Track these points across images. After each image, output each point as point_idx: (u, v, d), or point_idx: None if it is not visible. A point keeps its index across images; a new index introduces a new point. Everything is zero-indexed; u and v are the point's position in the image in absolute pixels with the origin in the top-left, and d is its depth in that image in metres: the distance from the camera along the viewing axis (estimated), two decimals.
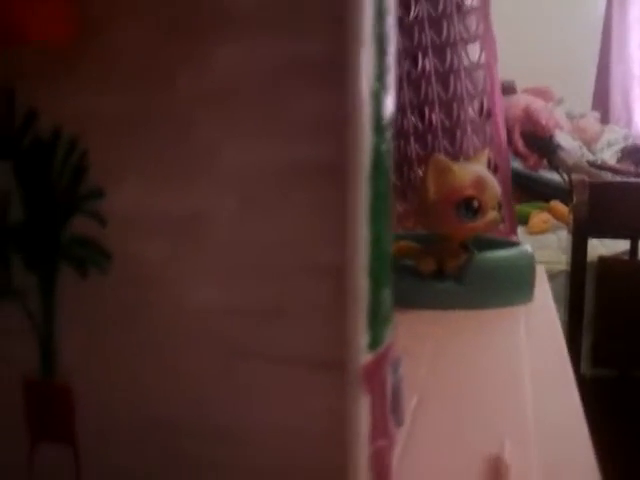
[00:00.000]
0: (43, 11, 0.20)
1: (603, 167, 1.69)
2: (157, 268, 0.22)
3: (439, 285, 0.51)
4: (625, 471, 0.70)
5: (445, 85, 0.63)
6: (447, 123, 0.64)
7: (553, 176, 1.67)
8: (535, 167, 1.69)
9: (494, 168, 0.61)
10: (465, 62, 0.62)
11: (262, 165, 0.21)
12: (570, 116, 1.94)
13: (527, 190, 1.54)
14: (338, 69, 0.19)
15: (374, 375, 0.21)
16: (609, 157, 1.82)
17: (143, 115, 0.22)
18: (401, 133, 0.65)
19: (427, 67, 0.63)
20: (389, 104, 0.21)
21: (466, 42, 0.62)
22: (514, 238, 0.62)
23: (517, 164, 1.61)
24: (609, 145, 1.87)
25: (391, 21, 0.21)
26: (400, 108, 0.63)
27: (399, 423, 0.24)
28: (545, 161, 1.71)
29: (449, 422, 0.32)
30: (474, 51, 0.63)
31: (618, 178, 1.61)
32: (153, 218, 0.22)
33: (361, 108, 0.19)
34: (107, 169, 0.22)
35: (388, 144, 0.21)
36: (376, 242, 0.21)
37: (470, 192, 0.49)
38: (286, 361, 0.21)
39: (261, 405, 0.21)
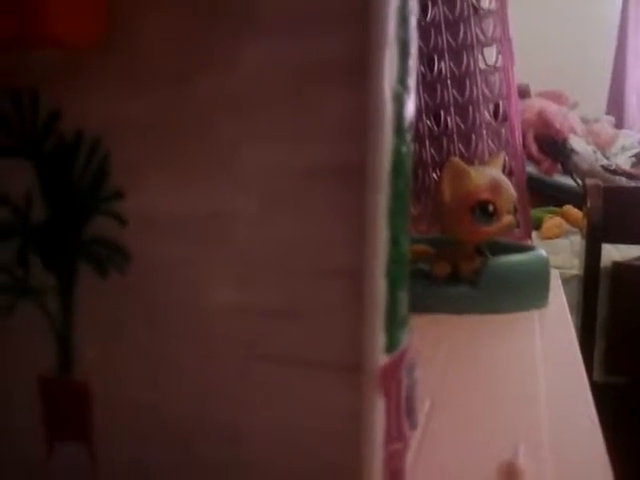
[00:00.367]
0: (75, 15, 0.20)
1: (617, 172, 1.68)
2: (176, 268, 0.22)
3: (453, 289, 0.51)
4: (637, 477, 0.69)
5: (461, 88, 0.63)
6: (462, 127, 0.63)
7: (567, 180, 1.66)
8: (549, 171, 1.68)
9: (509, 172, 0.60)
10: (481, 65, 0.62)
11: (282, 166, 0.21)
12: (584, 120, 1.93)
13: (540, 195, 1.53)
14: (361, 71, 0.19)
15: (390, 378, 0.21)
16: (623, 162, 1.81)
17: (165, 116, 0.22)
18: (416, 136, 0.65)
19: (443, 70, 0.63)
20: (410, 106, 0.21)
21: (483, 45, 0.62)
22: (529, 242, 0.61)
23: (531, 168, 1.61)
24: (623, 150, 1.86)
25: (414, 23, 0.21)
26: (415, 111, 0.63)
27: (413, 426, 0.24)
28: (559, 165, 1.71)
29: (462, 426, 0.32)
30: (491, 54, 0.62)
31: (633, 183, 1.60)
32: (173, 219, 0.22)
33: (383, 110, 0.19)
34: (128, 170, 0.22)
35: (408, 146, 0.21)
36: (394, 244, 0.21)
37: (486, 196, 0.49)
38: (302, 363, 0.21)
39: (275, 406, 0.21)
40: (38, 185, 0.24)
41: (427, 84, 0.65)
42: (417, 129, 0.65)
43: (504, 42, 0.60)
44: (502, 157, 0.53)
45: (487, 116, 0.63)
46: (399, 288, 0.21)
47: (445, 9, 0.62)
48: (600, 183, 1.18)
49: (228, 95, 0.21)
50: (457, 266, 0.52)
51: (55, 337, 0.24)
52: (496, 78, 0.62)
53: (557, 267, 0.91)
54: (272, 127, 0.21)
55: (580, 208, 1.30)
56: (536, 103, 1.77)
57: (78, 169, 0.23)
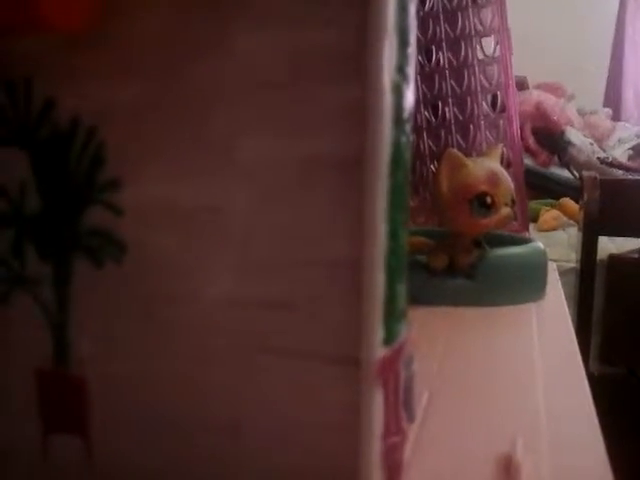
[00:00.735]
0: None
1: (614, 164, 1.68)
2: (172, 260, 0.22)
3: (450, 281, 0.51)
4: (635, 470, 0.70)
5: (459, 79, 0.63)
6: (460, 118, 0.63)
7: (563, 173, 1.66)
8: (545, 164, 1.68)
9: (507, 164, 0.60)
10: (480, 56, 0.62)
11: (280, 157, 0.20)
12: (581, 113, 1.93)
13: (537, 187, 1.53)
14: (360, 61, 0.19)
15: (388, 371, 0.21)
16: (620, 154, 1.80)
17: (161, 105, 0.22)
18: (414, 128, 0.64)
19: (441, 61, 0.63)
20: (409, 96, 0.21)
21: (481, 36, 0.62)
22: (526, 235, 0.61)
23: (528, 160, 1.60)
24: (620, 142, 1.86)
25: (412, 12, 0.21)
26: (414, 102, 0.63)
27: (411, 419, 0.24)
28: (556, 158, 1.70)
29: (460, 419, 0.32)
30: (489, 45, 0.62)
31: (629, 176, 1.59)
32: (169, 209, 0.22)
33: (383, 100, 0.19)
34: (124, 160, 0.22)
35: (408, 137, 0.21)
36: (392, 236, 0.21)
37: (484, 188, 0.49)
38: (300, 355, 0.21)
39: (274, 399, 0.21)
40: (33, 175, 0.23)
41: (425, 75, 0.65)
42: (415, 120, 0.65)
43: (502, 32, 0.60)
44: (500, 148, 0.53)
45: (485, 107, 0.62)
46: (398, 281, 0.21)
47: None
48: (597, 176, 1.17)
49: (224, 84, 0.21)
50: (455, 258, 0.51)
51: (51, 328, 0.24)
52: (494, 69, 0.61)
53: (554, 260, 0.90)
54: (270, 117, 0.20)
55: (577, 201, 1.30)
56: (534, 95, 1.76)
57: (73, 158, 0.23)
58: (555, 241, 1.26)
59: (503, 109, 0.62)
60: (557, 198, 1.50)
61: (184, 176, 0.22)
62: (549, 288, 0.54)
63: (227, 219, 0.21)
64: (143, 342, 0.23)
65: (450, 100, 0.64)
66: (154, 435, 0.23)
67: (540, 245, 0.54)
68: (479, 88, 0.62)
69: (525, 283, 0.52)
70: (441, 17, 0.62)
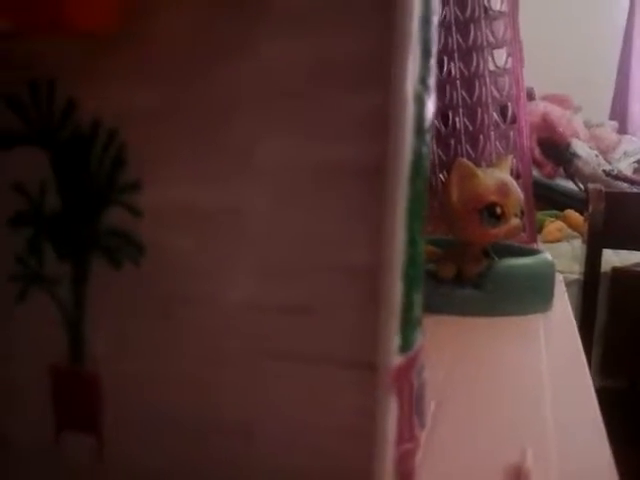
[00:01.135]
0: (91, 2, 0.20)
1: (619, 177, 1.68)
2: (190, 262, 0.22)
3: (459, 290, 0.51)
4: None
5: (470, 90, 0.63)
6: (470, 128, 0.63)
7: (568, 184, 1.66)
8: (551, 175, 1.68)
9: (516, 175, 0.60)
10: (491, 67, 0.62)
11: (300, 163, 0.21)
12: (588, 125, 1.93)
13: (542, 198, 1.53)
14: (384, 70, 0.19)
15: (403, 378, 0.21)
16: (625, 167, 1.81)
17: (182, 107, 0.22)
18: None
19: (452, 71, 0.63)
20: (430, 107, 0.21)
21: (493, 47, 0.62)
22: (534, 246, 0.61)
23: (533, 171, 1.60)
24: (626, 155, 1.86)
25: (435, 24, 0.21)
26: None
27: (421, 427, 0.24)
28: (561, 169, 1.71)
29: (467, 428, 0.32)
30: (500, 56, 0.62)
31: (634, 189, 1.60)
32: (188, 212, 0.22)
33: (406, 110, 0.19)
34: (145, 161, 0.22)
35: (428, 147, 0.21)
36: (411, 244, 0.21)
37: (493, 198, 0.49)
38: (316, 359, 0.21)
39: (288, 402, 0.21)
40: (53, 174, 0.23)
41: (436, 85, 0.65)
42: None
43: (514, 44, 0.60)
44: (510, 159, 0.53)
45: (495, 118, 0.63)
46: (415, 289, 0.21)
47: (456, 9, 0.62)
48: (602, 188, 1.18)
49: (246, 88, 0.21)
50: (463, 268, 0.52)
51: (66, 327, 0.24)
52: (505, 80, 0.62)
53: (557, 271, 0.91)
54: (290, 122, 0.21)
55: (581, 212, 1.31)
56: (540, 106, 1.77)
57: (94, 159, 0.23)
58: (559, 253, 1.26)
59: (513, 120, 0.62)
60: (561, 209, 1.50)
61: (204, 179, 0.22)
62: (556, 299, 0.54)
63: (246, 222, 0.21)
64: (158, 343, 0.23)
65: (461, 110, 0.64)
66: (165, 436, 0.23)
67: (548, 256, 0.54)
68: (490, 99, 0.62)
69: (533, 294, 0.52)
70: (453, 28, 0.62)
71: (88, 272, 0.23)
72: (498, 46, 0.62)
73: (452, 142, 0.64)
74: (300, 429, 0.21)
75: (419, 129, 0.20)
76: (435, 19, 0.21)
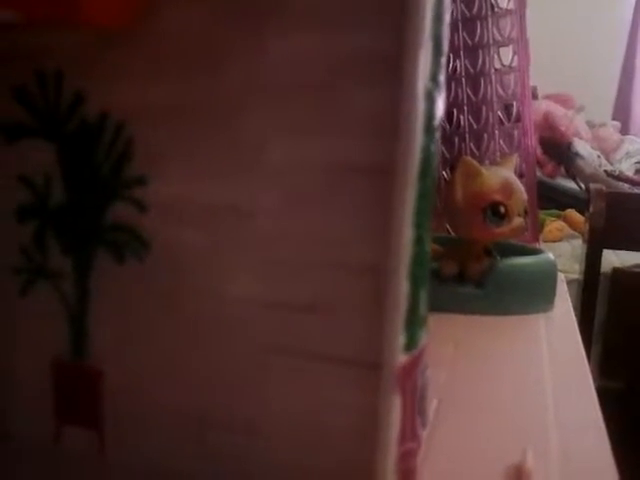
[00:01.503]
0: None
1: (621, 178, 1.68)
2: (195, 258, 0.22)
3: (460, 289, 0.51)
4: None
5: (475, 87, 0.63)
6: (475, 126, 0.63)
7: (569, 184, 1.66)
8: (552, 174, 1.68)
9: (520, 174, 0.60)
10: (497, 65, 0.62)
11: (309, 160, 0.21)
12: (590, 125, 1.93)
13: (543, 197, 1.53)
14: (396, 67, 0.19)
15: (407, 376, 0.21)
16: (627, 168, 1.80)
17: (191, 104, 0.22)
18: None
19: (458, 68, 0.63)
20: (440, 104, 0.21)
21: (499, 45, 0.62)
22: (537, 245, 0.61)
23: None
24: (628, 156, 1.86)
25: (447, 22, 0.21)
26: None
27: (423, 426, 0.24)
28: (562, 169, 1.70)
29: (468, 427, 0.32)
30: (506, 54, 0.62)
31: (636, 190, 1.59)
32: (194, 208, 0.22)
33: (416, 107, 0.19)
34: (151, 156, 0.22)
35: (436, 145, 0.21)
36: (417, 243, 0.21)
37: (498, 197, 0.49)
38: (321, 358, 0.21)
39: (292, 400, 0.21)
40: (59, 167, 0.23)
41: None
42: None
43: (521, 43, 0.60)
44: (514, 158, 0.53)
45: (500, 116, 0.62)
46: (421, 287, 0.21)
47: (462, 6, 0.61)
48: (604, 188, 1.17)
49: (256, 85, 0.21)
50: (465, 266, 0.51)
51: (69, 321, 0.24)
52: (511, 78, 0.61)
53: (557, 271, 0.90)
54: (301, 120, 0.20)
55: (582, 212, 1.30)
56: (542, 105, 1.76)
57: (101, 153, 0.23)
58: (559, 252, 1.26)
59: (518, 119, 0.62)
60: (562, 209, 1.50)
61: (211, 175, 0.22)
62: (557, 299, 0.54)
63: (253, 219, 0.21)
64: (161, 338, 0.23)
65: (465, 108, 0.64)
66: (167, 431, 0.23)
67: (550, 256, 0.54)
68: (495, 97, 0.62)
69: (535, 294, 0.52)
70: (460, 25, 0.62)
71: (92, 266, 0.23)
72: (504, 44, 0.61)
73: (456, 140, 0.64)
74: (303, 426, 0.21)
75: (429, 127, 0.20)
76: (447, 16, 0.21)
